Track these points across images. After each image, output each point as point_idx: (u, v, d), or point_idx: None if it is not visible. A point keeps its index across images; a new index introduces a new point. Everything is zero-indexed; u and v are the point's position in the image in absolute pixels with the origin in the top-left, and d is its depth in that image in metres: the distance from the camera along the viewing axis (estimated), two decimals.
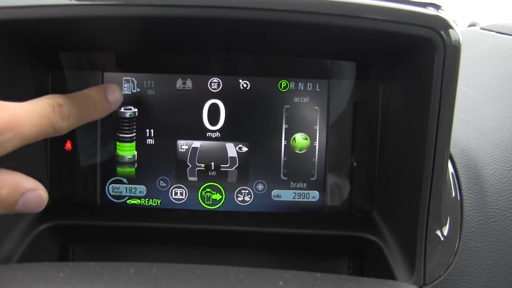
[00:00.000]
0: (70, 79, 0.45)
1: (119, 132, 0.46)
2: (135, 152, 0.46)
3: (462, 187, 0.42)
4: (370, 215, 0.46)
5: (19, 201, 0.31)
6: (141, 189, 0.47)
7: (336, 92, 0.46)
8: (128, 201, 0.47)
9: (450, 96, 0.36)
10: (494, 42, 0.65)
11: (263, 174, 0.47)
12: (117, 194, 0.47)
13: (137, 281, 0.28)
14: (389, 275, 0.40)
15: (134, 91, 0.46)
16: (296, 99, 0.46)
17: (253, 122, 0.46)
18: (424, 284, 0.38)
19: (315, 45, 0.42)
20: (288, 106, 0.46)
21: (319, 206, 0.47)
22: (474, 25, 0.84)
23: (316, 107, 0.46)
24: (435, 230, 0.39)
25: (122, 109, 0.46)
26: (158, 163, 0.46)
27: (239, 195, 0.47)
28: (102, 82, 0.45)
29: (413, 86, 0.40)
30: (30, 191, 0.32)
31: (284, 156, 0.46)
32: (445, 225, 0.40)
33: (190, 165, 0.47)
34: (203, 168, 0.47)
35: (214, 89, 0.46)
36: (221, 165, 0.47)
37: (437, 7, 0.36)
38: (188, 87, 0.46)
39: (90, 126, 0.46)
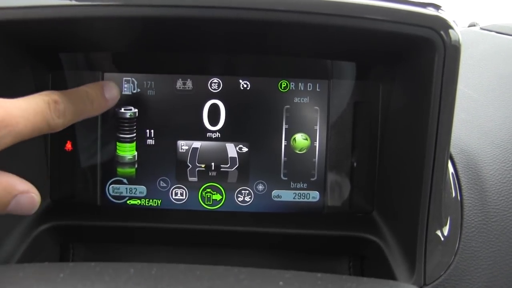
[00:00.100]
0: (70, 79, 0.45)
1: (119, 132, 0.46)
2: (135, 153, 0.46)
3: (462, 187, 0.42)
4: (371, 215, 0.46)
5: (11, 203, 0.31)
6: (141, 189, 0.47)
7: (336, 92, 0.46)
8: (128, 202, 0.47)
9: (450, 96, 0.36)
10: (494, 42, 0.64)
11: (263, 174, 0.47)
12: (117, 194, 0.47)
13: (137, 281, 0.28)
14: (390, 275, 0.40)
15: (134, 91, 0.46)
16: (296, 99, 0.46)
17: (253, 122, 0.46)
18: (425, 284, 0.38)
19: (315, 46, 0.42)
20: (288, 106, 0.46)
21: (319, 206, 0.47)
22: (474, 25, 0.84)
23: (316, 107, 0.46)
24: (435, 230, 0.39)
25: (122, 110, 0.46)
26: (158, 163, 0.47)
27: (239, 195, 0.47)
28: None
29: (413, 86, 0.40)
30: (23, 193, 0.32)
31: (284, 157, 0.46)
32: (445, 225, 0.40)
33: (190, 166, 0.47)
34: (203, 169, 0.47)
35: (214, 89, 0.46)
36: (221, 166, 0.47)
37: (437, 7, 0.36)
38: (188, 87, 0.46)
39: (90, 127, 0.46)
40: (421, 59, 0.37)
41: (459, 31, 0.35)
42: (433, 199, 0.38)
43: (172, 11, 0.35)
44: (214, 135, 0.46)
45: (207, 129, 0.46)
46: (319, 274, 0.30)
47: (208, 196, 0.47)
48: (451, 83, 0.36)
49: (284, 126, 0.46)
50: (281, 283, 0.28)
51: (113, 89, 0.42)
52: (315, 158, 0.47)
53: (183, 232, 0.45)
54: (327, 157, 0.46)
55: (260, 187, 0.47)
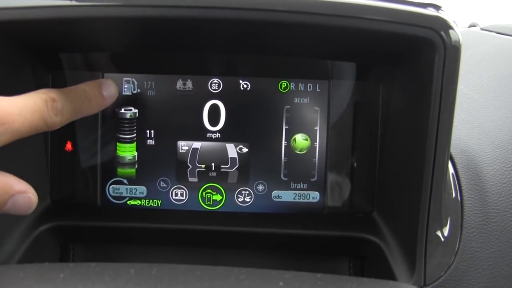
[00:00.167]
0: (70, 79, 0.45)
1: (119, 133, 0.46)
2: (136, 153, 0.46)
3: (463, 188, 0.42)
4: (371, 215, 0.46)
5: (8, 202, 0.31)
6: (141, 190, 0.47)
7: (337, 92, 0.46)
8: (128, 202, 0.47)
9: (451, 96, 0.36)
10: (494, 43, 0.64)
11: (263, 174, 0.47)
12: (118, 195, 0.47)
13: (137, 282, 0.28)
14: (390, 276, 0.40)
15: (135, 91, 0.46)
16: (296, 100, 0.46)
17: (254, 122, 0.46)
18: (425, 284, 0.38)
19: (315, 46, 0.42)
20: (288, 106, 0.46)
21: (319, 207, 0.47)
22: (474, 26, 0.84)
23: (316, 107, 0.46)
24: (436, 231, 0.39)
25: (123, 110, 0.46)
26: (159, 163, 0.47)
27: (239, 195, 0.47)
28: None
29: (413, 86, 0.40)
30: (20, 193, 0.32)
31: (284, 157, 0.46)
32: (446, 225, 0.40)
33: (191, 166, 0.47)
34: (204, 169, 0.47)
35: (215, 89, 0.46)
36: (222, 166, 0.47)
37: (437, 7, 0.36)
38: (189, 87, 0.46)
39: (90, 127, 0.46)
40: (422, 60, 0.37)
41: (459, 31, 0.35)
42: (433, 200, 0.38)
43: (172, 11, 0.35)
44: (214, 135, 0.46)
45: (207, 129, 0.46)
46: (319, 275, 0.30)
47: (208, 196, 0.47)
48: (451, 84, 0.36)
49: (284, 127, 0.46)
50: (281, 283, 0.28)
51: (111, 87, 0.41)
52: (315, 158, 0.47)
53: (183, 233, 0.45)
54: (327, 157, 0.46)
55: (260, 187, 0.47)
